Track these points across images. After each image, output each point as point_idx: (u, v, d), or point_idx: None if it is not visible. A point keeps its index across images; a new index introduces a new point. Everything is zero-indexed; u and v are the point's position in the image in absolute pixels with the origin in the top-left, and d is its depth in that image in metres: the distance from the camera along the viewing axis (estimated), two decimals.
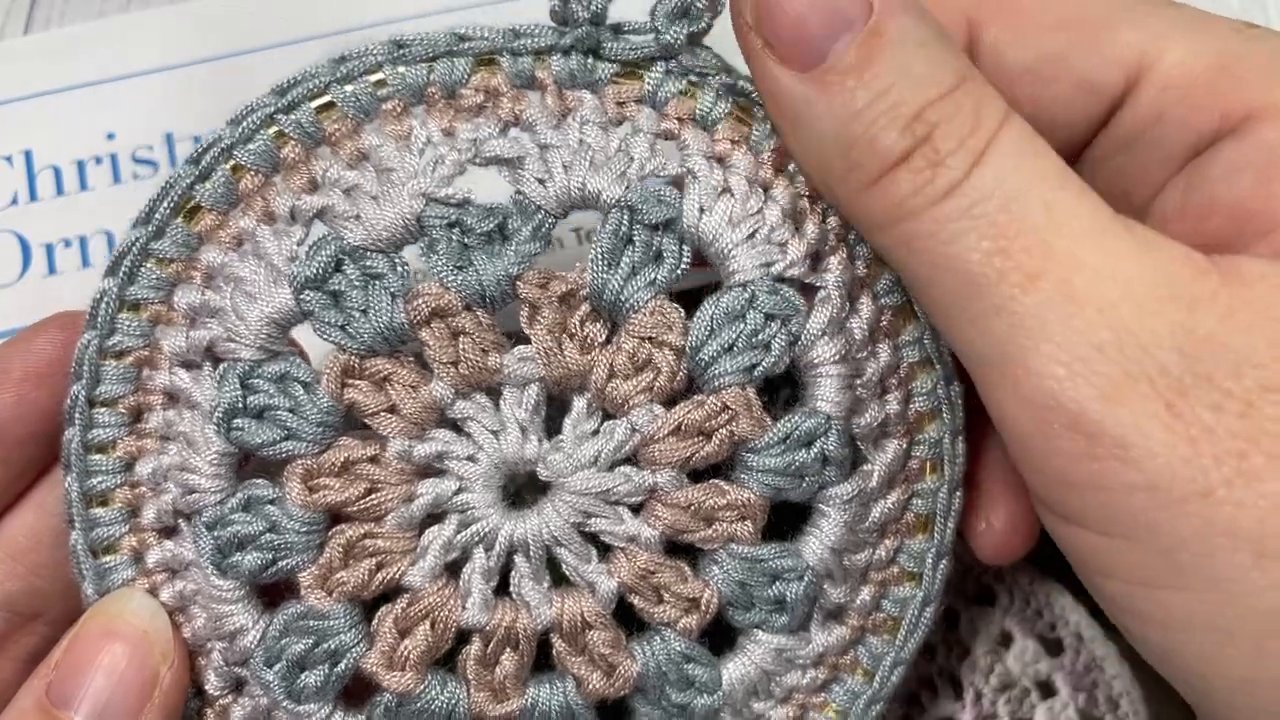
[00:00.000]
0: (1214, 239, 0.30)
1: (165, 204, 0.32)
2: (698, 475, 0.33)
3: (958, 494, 0.35)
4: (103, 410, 0.32)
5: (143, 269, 0.32)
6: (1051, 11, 0.33)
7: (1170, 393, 0.27)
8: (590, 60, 0.32)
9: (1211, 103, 0.32)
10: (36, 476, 0.35)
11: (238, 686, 0.34)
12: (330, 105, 0.32)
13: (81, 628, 0.32)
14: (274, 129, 0.32)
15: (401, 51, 0.32)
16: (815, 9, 0.28)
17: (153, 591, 0.33)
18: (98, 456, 0.32)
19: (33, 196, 0.47)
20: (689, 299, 0.32)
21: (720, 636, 0.35)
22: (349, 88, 0.32)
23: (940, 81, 0.28)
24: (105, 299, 0.32)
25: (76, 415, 0.32)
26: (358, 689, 0.33)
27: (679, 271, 0.32)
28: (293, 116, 0.32)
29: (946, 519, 0.34)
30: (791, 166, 0.33)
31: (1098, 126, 0.34)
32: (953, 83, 0.28)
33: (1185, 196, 0.32)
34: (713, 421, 0.32)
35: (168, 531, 0.33)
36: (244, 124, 0.32)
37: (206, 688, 0.33)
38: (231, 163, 0.32)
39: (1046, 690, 0.40)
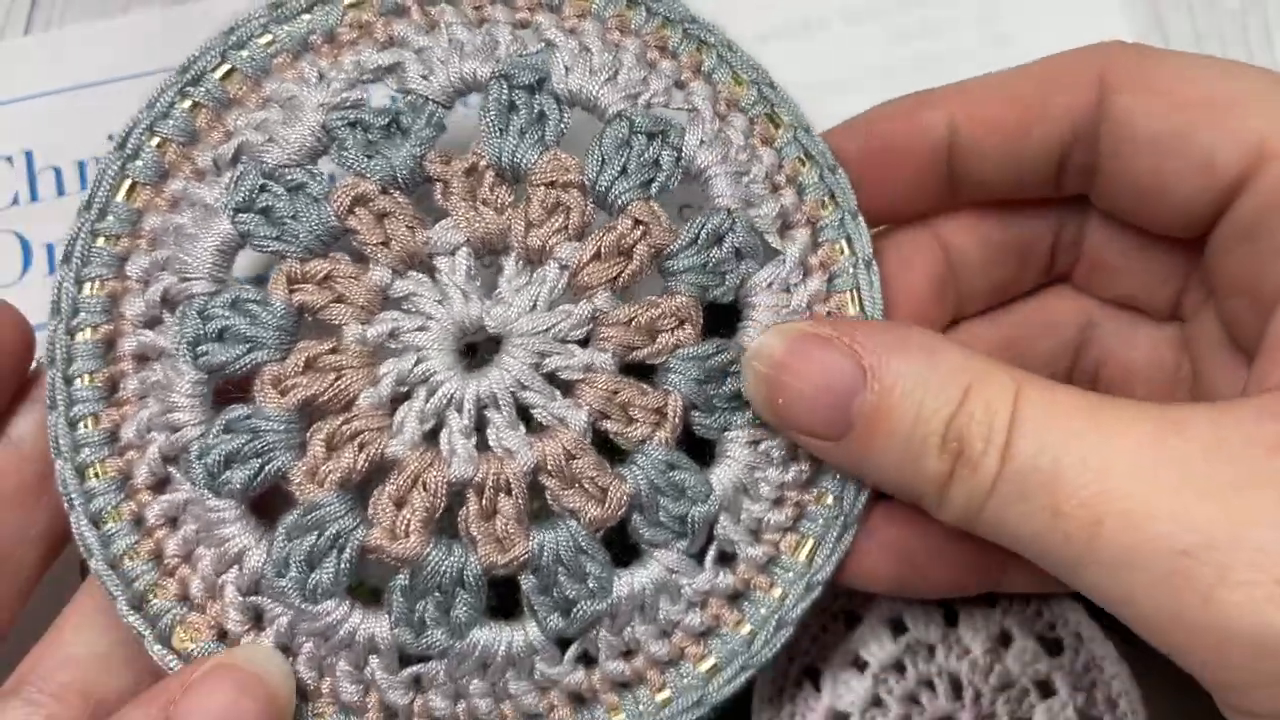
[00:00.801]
0: None
1: (103, 188, 0.35)
2: None
3: (873, 267, 0.37)
4: (79, 387, 0.35)
5: (94, 250, 0.35)
6: (1184, 87, 0.34)
7: (1279, 568, 0.27)
8: None
9: None
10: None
11: (257, 619, 0.34)
12: (231, 71, 0.37)
13: (210, 671, 0.32)
14: (187, 102, 0.36)
15: (280, 11, 0.37)
16: (819, 392, 0.32)
17: (158, 550, 0.35)
18: (83, 431, 0.35)
19: (33, 197, 0.47)
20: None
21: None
22: (243, 53, 0.37)
23: (949, 398, 0.31)
24: (64, 284, 0.35)
25: (57, 398, 0.35)
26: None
27: (562, 126, 0.36)
28: (200, 88, 0.36)
29: (870, 289, 0.37)
30: (634, 24, 0.38)
31: (1218, 210, 0.34)
32: (959, 394, 0.31)
33: None
34: (628, 238, 0.35)
35: (160, 485, 0.35)
36: (159, 103, 0.36)
37: (229, 627, 0.34)
38: (156, 139, 0.36)
39: (1045, 690, 0.41)
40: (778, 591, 0.36)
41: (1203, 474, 0.28)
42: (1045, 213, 0.39)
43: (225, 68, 0.37)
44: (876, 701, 0.40)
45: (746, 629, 0.36)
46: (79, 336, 0.35)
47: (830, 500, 0.37)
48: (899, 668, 0.40)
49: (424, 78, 0.36)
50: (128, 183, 0.36)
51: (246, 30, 0.37)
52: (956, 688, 0.40)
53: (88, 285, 0.35)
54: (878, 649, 0.41)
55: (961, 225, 0.39)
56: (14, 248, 0.47)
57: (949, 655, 0.41)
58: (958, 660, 0.40)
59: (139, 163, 0.36)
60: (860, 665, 0.40)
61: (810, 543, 0.36)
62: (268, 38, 0.37)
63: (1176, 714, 0.30)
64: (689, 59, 0.38)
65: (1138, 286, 0.39)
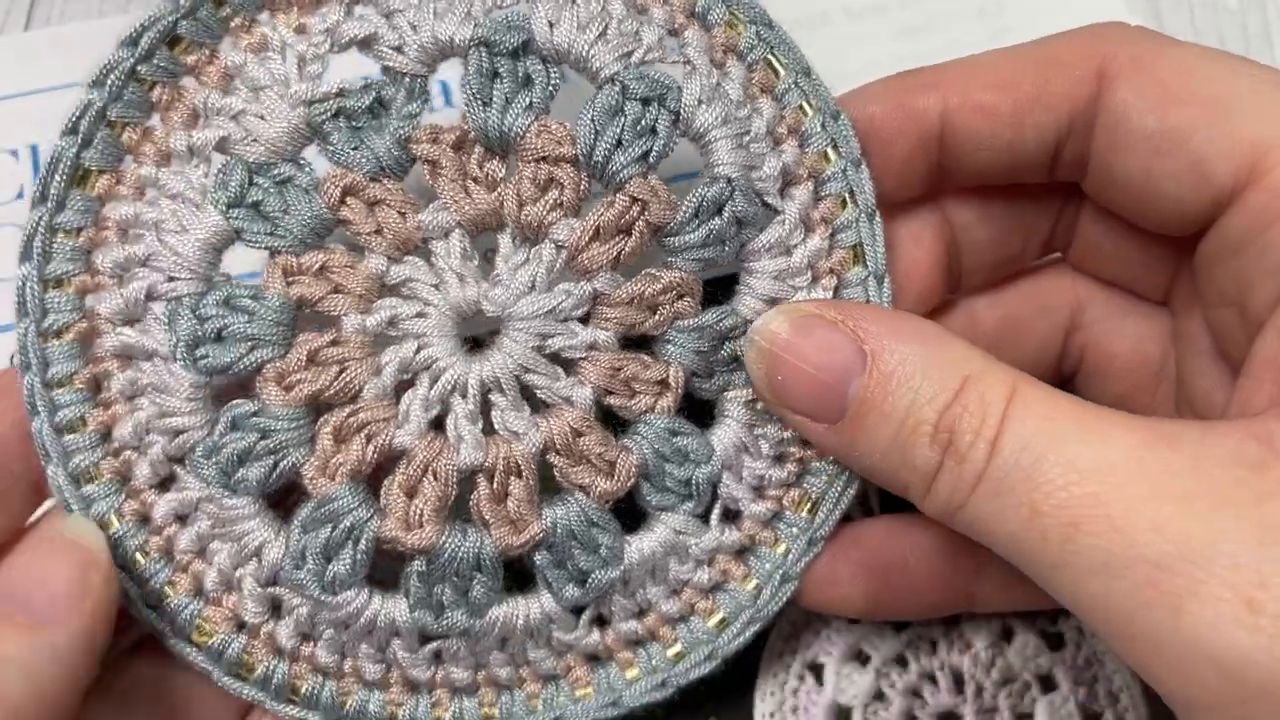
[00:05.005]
0: None
1: (57, 178, 0.35)
2: None
3: (876, 220, 0.38)
4: (61, 391, 0.35)
5: (54, 245, 0.35)
6: (1184, 82, 0.34)
7: (1251, 587, 0.27)
8: None
9: None
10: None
11: (275, 608, 0.36)
12: (181, 40, 0.35)
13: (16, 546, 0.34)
14: (139, 80, 0.35)
15: None
16: (818, 371, 0.34)
17: (168, 546, 0.36)
18: (71, 436, 0.35)
19: None
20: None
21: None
22: (195, 20, 0.35)
23: (946, 387, 0.32)
24: (28, 284, 0.35)
25: (38, 403, 0.34)
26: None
27: (551, 88, 0.36)
28: (153, 63, 0.35)
29: (874, 244, 0.38)
30: None
31: (1209, 217, 0.34)
32: (956, 385, 0.32)
33: None
34: (628, 216, 0.36)
35: (165, 483, 0.36)
36: (109, 83, 0.34)
37: (247, 618, 0.36)
38: (109, 123, 0.35)
39: (1047, 684, 0.42)
40: (782, 547, 0.39)
41: (1184, 487, 0.29)
42: (1046, 193, 0.40)
43: (177, 37, 0.35)
44: (879, 695, 0.42)
45: (753, 583, 0.39)
46: (53, 340, 0.35)
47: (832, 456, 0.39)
48: (901, 662, 0.43)
49: (398, 50, 0.35)
50: (82, 171, 0.35)
51: None
52: (959, 682, 0.42)
53: (53, 283, 0.35)
54: (880, 643, 0.43)
55: (969, 204, 0.40)
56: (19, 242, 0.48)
57: (951, 649, 0.43)
58: (960, 654, 0.42)
59: (93, 150, 0.35)
60: (863, 659, 0.43)
61: (814, 498, 0.39)
62: None
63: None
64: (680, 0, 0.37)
65: (1128, 272, 0.41)
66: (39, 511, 0.37)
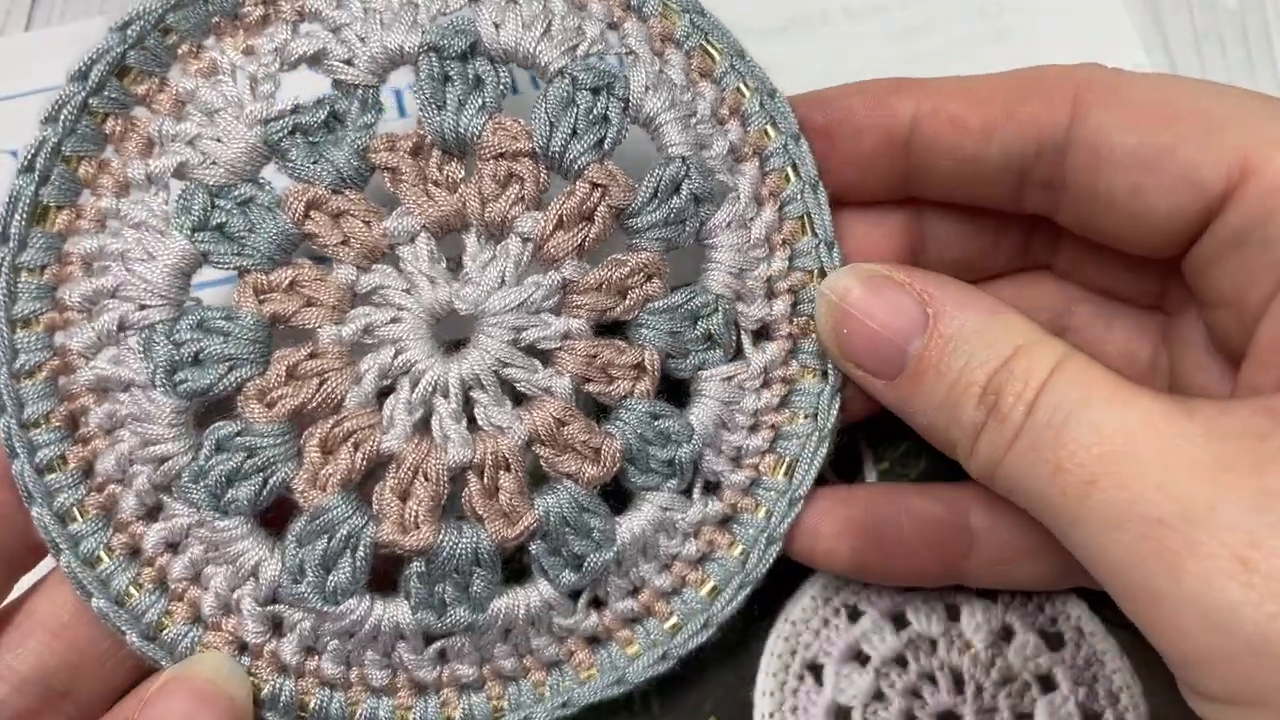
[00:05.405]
0: None
1: (18, 217, 0.34)
2: None
3: (820, 190, 0.40)
4: (38, 431, 0.35)
5: (19, 284, 0.34)
6: (1160, 104, 0.35)
7: (1243, 547, 0.29)
8: None
9: None
10: None
11: (276, 627, 0.37)
12: (130, 70, 0.35)
13: (165, 684, 0.34)
14: (90, 114, 0.35)
15: None
16: (883, 329, 0.36)
17: (161, 577, 0.36)
18: (53, 476, 0.35)
19: None
20: None
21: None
22: (143, 50, 0.35)
23: (998, 354, 0.34)
24: None
25: (15, 445, 0.34)
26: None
27: (501, 87, 0.37)
28: (104, 95, 0.35)
29: (820, 213, 0.40)
30: None
31: (1200, 225, 0.36)
32: (1008, 352, 0.34)
33: None
34: (589, 202, 0.37)
35: (153, 513, 0.36)
36: (62, 119, 0.35)
37: (248, 639, 0.36)
38: (64, 158, 0.35)
39: (1047, 684, 0.43)
40: (763, 511, 0.41)
41: (1195, 454, 0.31)
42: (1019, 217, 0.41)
43: (126, 67, 0.35)
44: (878, 695, 0.43)
45: (739, 549, 0.41)
46: (25, 380, 0.35)
47: (803, 419, 0.40)
48: (901, 662, 0.43)
49: (347, 63, 0.36)
50: (41, 208, 0.35)
51: (143, 24, 0.35)
52: (958, 682, 0.43)
53: (21, 323, 0.35)
54: (880, 643, 0.44)
55: (941, 214, 0.41)
56: None
57: (951, 649, 0.44)
58: (959, 654, 0.43)
59: (50, 187, 0.35)
60: (862, 659, 0.44)
61: (788, 461, 0.41)
62: (165, 27, 0.36)
63: (1178, 708, 0.31)
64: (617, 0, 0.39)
65: (1119, 281, 0.42)
66: (14, 592, 0.37)
